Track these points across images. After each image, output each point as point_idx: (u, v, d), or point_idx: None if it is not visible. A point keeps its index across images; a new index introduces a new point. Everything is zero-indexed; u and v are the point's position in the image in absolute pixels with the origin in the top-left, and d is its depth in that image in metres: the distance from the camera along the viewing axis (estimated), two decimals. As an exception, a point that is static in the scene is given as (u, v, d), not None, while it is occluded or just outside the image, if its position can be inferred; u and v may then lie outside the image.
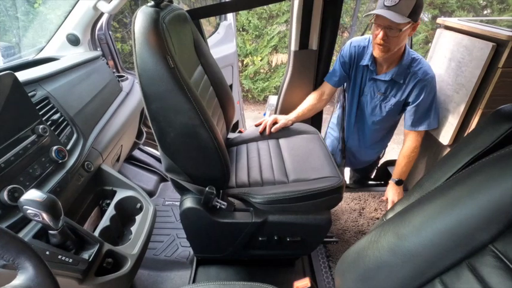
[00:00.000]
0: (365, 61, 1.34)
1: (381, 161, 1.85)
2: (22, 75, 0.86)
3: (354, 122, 1.53)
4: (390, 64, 1.30)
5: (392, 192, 1.42)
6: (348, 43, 1.40)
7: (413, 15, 1.10)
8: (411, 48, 1.35)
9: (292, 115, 1.44)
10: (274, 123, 1.38)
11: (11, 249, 0.42)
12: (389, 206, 1.43)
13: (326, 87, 1.48)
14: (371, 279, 0.53)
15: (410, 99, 1.31)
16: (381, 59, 1.27)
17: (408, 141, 1.38)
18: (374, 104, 1.41)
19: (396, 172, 1.43)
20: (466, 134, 1.26)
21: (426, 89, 1.26)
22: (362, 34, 1.56)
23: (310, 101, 1.48)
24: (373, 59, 1.32)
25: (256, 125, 1.45)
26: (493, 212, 0.39)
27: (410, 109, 1.33)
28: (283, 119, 1.39)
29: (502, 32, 1.07)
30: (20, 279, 0.41)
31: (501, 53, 1.09)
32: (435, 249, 0.44)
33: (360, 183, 1.92)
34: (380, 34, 1.15)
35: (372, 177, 1.95)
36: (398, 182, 1.42)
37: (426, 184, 0.69)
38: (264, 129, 1.38)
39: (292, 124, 1.41)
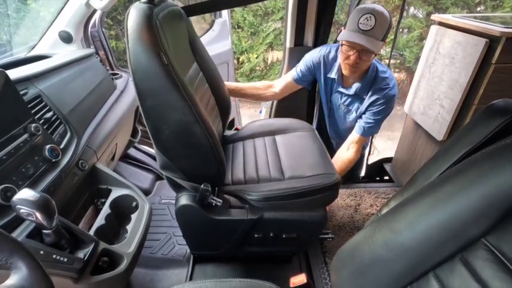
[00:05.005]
0: (332, 74, 1.34)
1: (371, 160, 1.87)
2: (13, 73, 0.85)
3: (330, 123, 1.58)
4: (355, 78, 1.30)
5: None
6: (317, 50, 1.37)
7: (385, 37, 1.11)
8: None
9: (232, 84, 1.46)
10: None
11: (3, 249, 0.41)
12: None
13: (285, 80, 1.44)
14: (366, 273, 0.54)
15: (369, 110, 1.29)
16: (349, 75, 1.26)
17: (357, 146, 1.34)
18: (339, 114, 1.45)
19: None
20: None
21: (388, 105, 1.26)
22: (335, 41, 1.52)
23: (258, 85, 1.47)
24: (340, 72, 1.31)
25: None
26: (484, 206, 0.39)
27: (365, 118, 1.31)
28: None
29: (495, 28, 1.08)
30: (13, 279, 0.41)
31: (494, 49, 1.10)
32: (428, 243, 0.44)
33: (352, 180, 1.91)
34: (353, 57, 1.13)
35: (363, 175, 1.95)
36: None
37: (420, 179, 0.70)
38: None
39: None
